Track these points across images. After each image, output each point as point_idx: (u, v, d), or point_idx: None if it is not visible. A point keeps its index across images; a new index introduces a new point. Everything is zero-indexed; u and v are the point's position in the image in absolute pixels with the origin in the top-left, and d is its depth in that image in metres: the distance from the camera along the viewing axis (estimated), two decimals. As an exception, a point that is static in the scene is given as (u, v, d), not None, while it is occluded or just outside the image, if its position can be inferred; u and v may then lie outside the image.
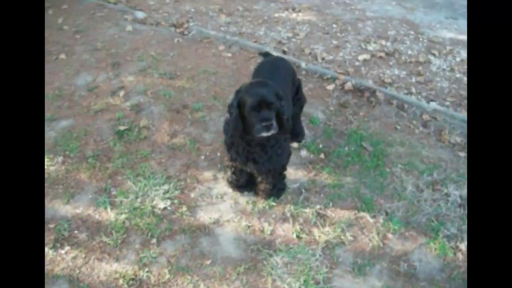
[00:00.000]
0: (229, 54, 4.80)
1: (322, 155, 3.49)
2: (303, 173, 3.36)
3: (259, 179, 3.07)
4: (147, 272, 2.75)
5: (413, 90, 4.24)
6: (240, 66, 4.62)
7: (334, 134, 3.69)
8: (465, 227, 2.95)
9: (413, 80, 4.41)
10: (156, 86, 4.29)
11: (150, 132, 3.77)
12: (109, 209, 3.13)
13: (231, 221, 3.03)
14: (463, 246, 2.85)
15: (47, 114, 3.97)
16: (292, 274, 2.70)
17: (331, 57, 4.77)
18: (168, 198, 3.18)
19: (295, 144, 3.57)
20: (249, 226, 2.99)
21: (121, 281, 2.71)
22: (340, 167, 3.40)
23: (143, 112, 3.97)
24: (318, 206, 3.11)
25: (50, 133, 3.79)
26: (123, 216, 3.07)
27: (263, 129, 2.49)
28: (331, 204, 3.12)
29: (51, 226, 3.01)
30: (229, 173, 3.15)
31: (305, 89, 4.20)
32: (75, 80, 4.43)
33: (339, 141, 3.63)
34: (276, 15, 5.73)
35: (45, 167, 3.42)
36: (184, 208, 3.11)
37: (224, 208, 3.12)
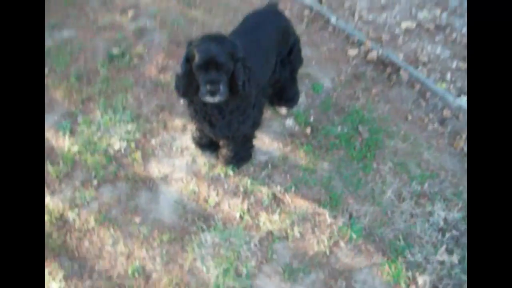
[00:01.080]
0: (260, -8, 4.16)
1: (308, 130, 2.95)
2: (278, 145, 2.86)
3: (221, 142, 2.65)
4: (75, 214, 2.52)
5: (448, 76, 3.45)
6: (265, 7, 3.99)
7: (332, 109, 3.10)
8: (433, 257, 2.39)
9: (454, 65, 3.58)
10: (168, 11, 3.81)
11: (141, 61, 3.37)
12: (67, 137, 2.87)
13: (180, 181, 2.66)
14: (421, 280, 2.32)
15: (52, 20, 3.67)
16: (216, 258, 2.34)
17: (370, 17, 3.98)
18: (127, 139, 2.84)
19: (283, 110, 3.05)
20: (195, 192, 2.61)
21: (46, 217, 2.49)
22: (322, 149, 2.86)
23: (143, 38, 3.55)
24: (278, 188, 2.64)
25: (47, 41, 3.50)
26: (76, 148, 2.80)
27: (207, 93, 2.02)
28: (293, 189, 2.65)
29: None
30: (194, 128, 2.74)
31: (323, 49, 3.57)
32: (94, -12, 4.05)
33: (334, 118, 3.04)
34: (333, -45, 4.87)
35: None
36: (138, 154, 2.78)
37: (179, 164, 2.75)
